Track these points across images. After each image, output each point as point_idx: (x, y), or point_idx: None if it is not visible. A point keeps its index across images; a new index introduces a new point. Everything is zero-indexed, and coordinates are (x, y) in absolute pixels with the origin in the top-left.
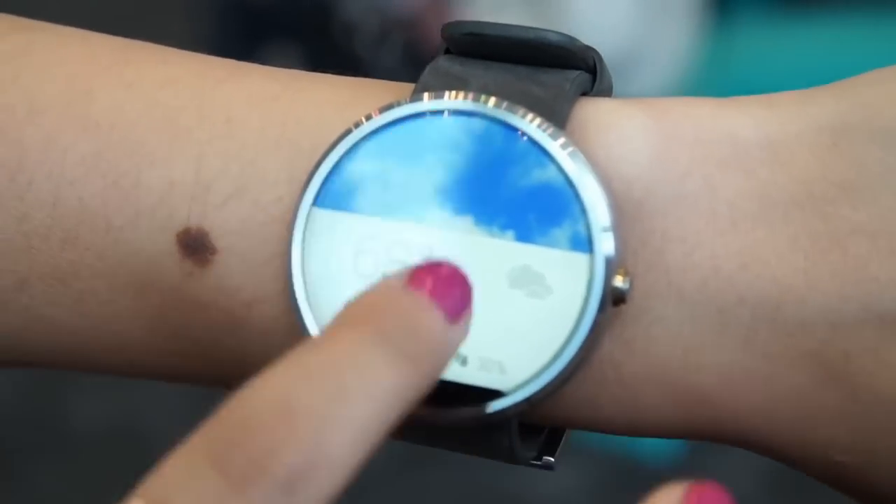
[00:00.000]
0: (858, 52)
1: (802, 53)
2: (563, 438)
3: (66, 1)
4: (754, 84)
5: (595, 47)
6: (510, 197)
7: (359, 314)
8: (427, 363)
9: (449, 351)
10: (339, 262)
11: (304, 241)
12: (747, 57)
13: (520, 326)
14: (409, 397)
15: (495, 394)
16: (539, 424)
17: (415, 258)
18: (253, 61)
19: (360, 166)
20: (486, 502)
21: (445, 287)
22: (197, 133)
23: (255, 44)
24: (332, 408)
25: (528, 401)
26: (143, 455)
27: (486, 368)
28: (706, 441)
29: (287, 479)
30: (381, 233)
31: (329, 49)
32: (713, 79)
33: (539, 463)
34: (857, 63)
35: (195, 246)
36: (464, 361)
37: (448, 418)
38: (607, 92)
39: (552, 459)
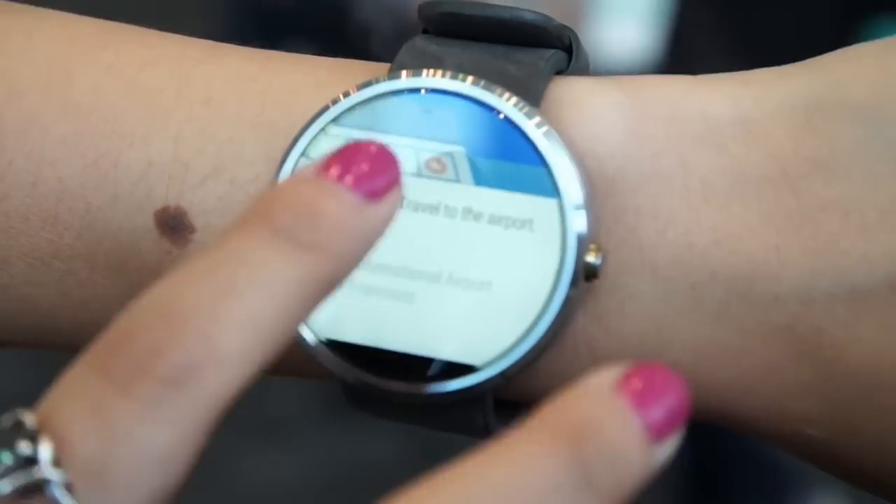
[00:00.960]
0: None
1: None
2: None
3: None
4: None
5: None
6: (485, 175)
7: (255, 212)
8: (331, 249)
9: (363, 233)
10: None
11: None
12: None
13: (493, 301)
14: (313, 286)
15: (468, 369)
16: (515, 400)
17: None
18: None
19: (336, 143)
20: None
21: (360, 167)
22: (175, 113)
23: (271, 44)
24: (218, 305)
25: (502, 375)
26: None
27: (472, 332)
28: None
29: (173, 377)
30: None
31: (344, 49)
32: None
33: None
34: None
35: (173, 224)
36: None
37: (422, 394)
38: (584, 70)
39: None
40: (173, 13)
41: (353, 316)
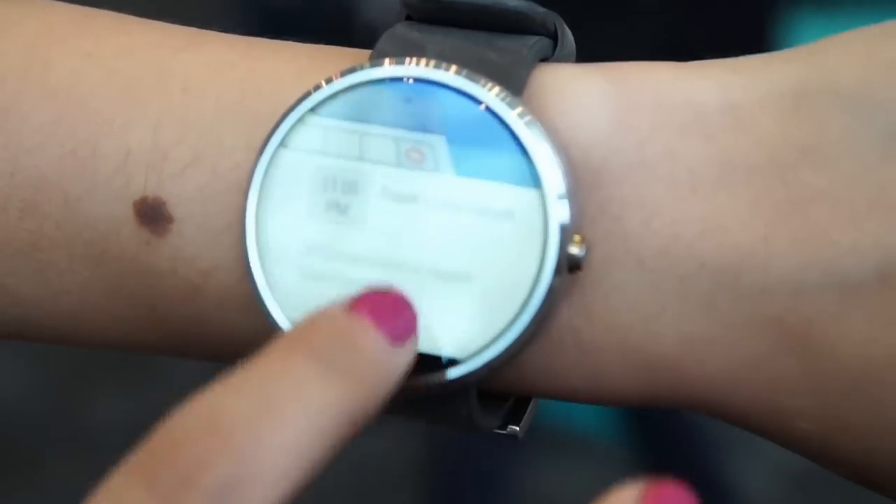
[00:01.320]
0: None
1: None
2: (530, 408)
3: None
4: None
5: None
6: (466, 165)
7: (294, 336)
8: (367, 381)
9: (393, 371)
10: (296, 227)
11: (258, 207)
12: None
13: (475, 293)
14: (350, 416)
15: (451, 361)
16: (501, 393)
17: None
18: None
19: (315, 132)
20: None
21: (387, 311)
22: (154, 102)
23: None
24: (261, 420)
25: (486, 367)
26: None
27: (454, 324)
28: (669, 410)
29: (216, 492)
30: (342, 181)
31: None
32: None
33: (504, 432)
34: None
35: (152, 214)
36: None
37: (405, 387)
38: (569, 58)
39: (517, 428)
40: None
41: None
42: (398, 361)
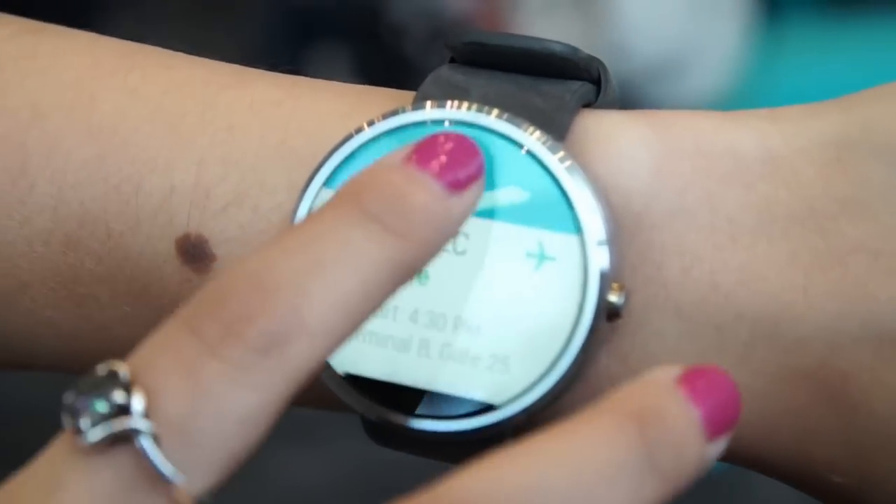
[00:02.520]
0: None
1: (853, 54)
2: None
3: None
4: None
5: (644, 50)
6: (507, 210)
7: (346, 193)
8: (418, 235)
9: (449, 220)
10: None
11: None
12: (797, 58)
13: (521, 331)
14: (399, 270)
15: (489, 407)
16: None
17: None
18: (300, 62)
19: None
20: None
21: (450, 158)
22: (199, 139)
23: (303, 45)
24: (308, 278)
25: (523, 414)
26: None
27: (494, 369)
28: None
29: (262, 344)
30: None
31: (377, 51)
32: (763, 80)
33: None
34: None
35: (194, 252)
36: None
37: (442, 432)
38: (612, 104)
39: None
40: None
41: (372, 351)
42: (455, 210)
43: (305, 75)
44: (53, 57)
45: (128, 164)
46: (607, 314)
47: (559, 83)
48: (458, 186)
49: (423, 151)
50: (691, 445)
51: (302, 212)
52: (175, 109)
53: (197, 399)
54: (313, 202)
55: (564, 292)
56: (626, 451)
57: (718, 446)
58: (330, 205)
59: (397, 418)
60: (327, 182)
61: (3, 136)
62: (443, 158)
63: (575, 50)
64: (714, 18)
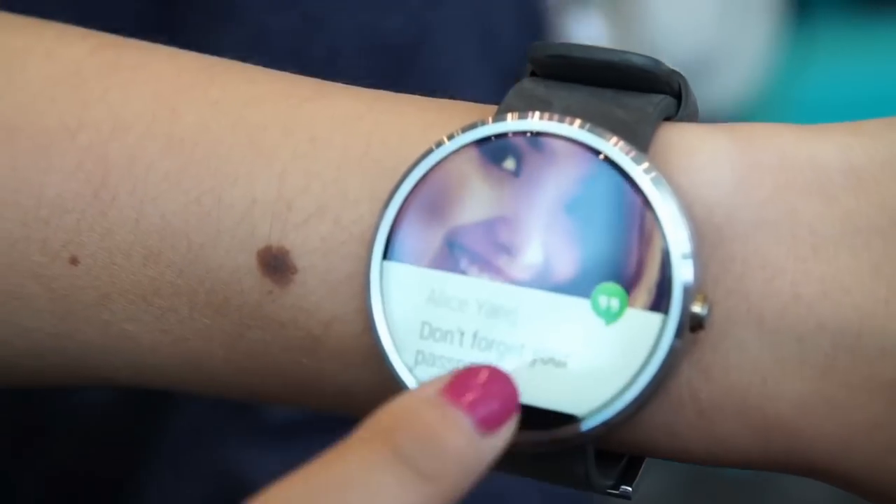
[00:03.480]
0: None
1: (884, 56)
2: (642, 467)
3: None
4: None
5: (674, 51)
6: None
7: (378, 429)
8: (450, 480)
9: (480, 463)
10: (419, 282)
11: (382, 261)
12: (828, 59)
13: (601, 349)
14: None
15: (570, 418)
16: (616, 452)
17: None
18: None
19: (442, 186)
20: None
21: (486, 397)
22: (280, 151)
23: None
24: None
25: (604, 426)
26: None
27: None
28: (783, 472)
29: None
30: None
31: None
32: (793, 82)
33: (616, 492)
34: None
35: (275, 265)
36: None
37: (522, 443)
38: (692, 117)
39: (629, 489)
40: None
41: (460, 364)
42: (488, 451)
43: None
44: (134, 70)
45: (209, 176)
46: (691, 325)
47: (641, 96)
48: (492, 426)
49: (460, 385)
50: (453, 440)
51: (385, 225)
52: (256, 122)
53: None
54: (396, 214)
55: (648, 305)
56: (381, 463)
57: (499, 437)
58: (360, 439)
59: None
60: (410, 195)
61: (84, 148)
62: (479, 394)
63: (657, 63)
64: (744, 20)
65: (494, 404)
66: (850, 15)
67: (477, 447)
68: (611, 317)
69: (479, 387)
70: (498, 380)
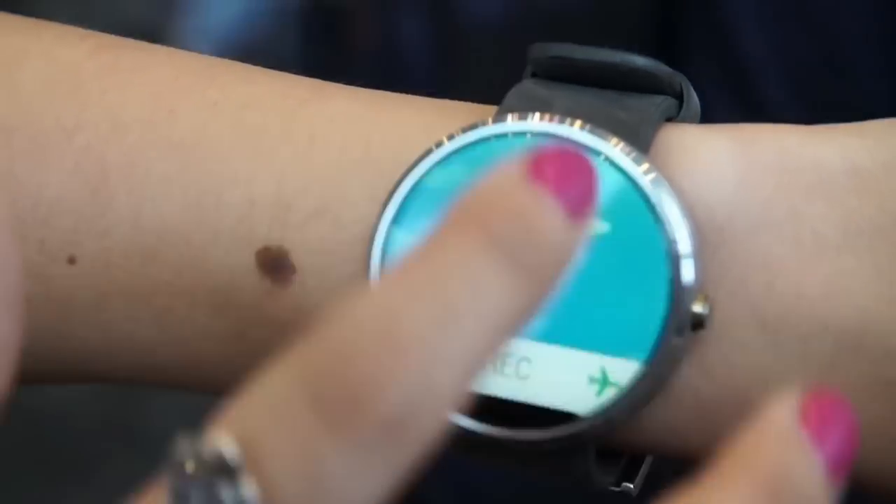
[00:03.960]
0: None
1: None
2: (644, 465)
3: None
4: None
5: None
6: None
7: (470, 213)
8: (545, 271)
9: (570, 253)
10: None
11: (382, 260)
12: None
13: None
14: (523, 315)
15: (571, 416)
16: (618, 450)
17: None
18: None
19: (441, 186)
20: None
21: (571, 178)
22: (279, 152)
23: None
24: (443, 334)
25: (606, 424)
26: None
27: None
28: None
29: (391, 421)
30: None
31: None
32: None
33: (618, 489)
34: None
35: (275, 265)
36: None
37: (524, 441)
38: (694, 118)
39: (631, 486)
40: None
41: None
42: (576, 240)
43: None
44: (133, 72)
45: (208, 177)
46: (692, 324)
47: (642, 97)
48: (580, 212)
49: (546, 167)
50: (548, 227)
51: (384, 225)
52: (255, 123)
53: (316, 494)
54: (395, 214)
55: (651, 304)
56: (477, 250)
57: (586, 224)
58: (452, 225)
59: (476, 427)
60: (410, 195)
61: (83, 148)
62: (566, 180)
63: (658, 64)
64: None
65: (581, 186)
66: None
67: (569, 235)
68: None
69: (563, 167)
70: (577, 159)
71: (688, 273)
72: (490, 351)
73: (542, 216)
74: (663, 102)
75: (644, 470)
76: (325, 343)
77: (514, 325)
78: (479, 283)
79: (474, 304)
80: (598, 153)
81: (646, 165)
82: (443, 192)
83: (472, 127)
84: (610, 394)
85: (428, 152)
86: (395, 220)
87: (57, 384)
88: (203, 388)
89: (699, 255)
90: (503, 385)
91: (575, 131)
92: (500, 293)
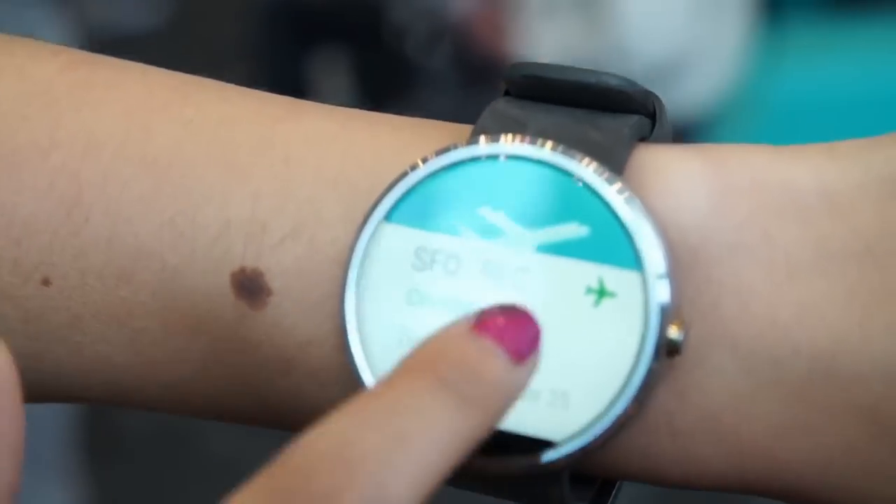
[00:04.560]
0: None
1: (855, 56)
2: (616, 489)
3: None
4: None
5: (646, 51)
6: (566, 244)
7: (420, 361)
8: (490, 406)
9: (514, 393)
10: (395, 302)
11: (358, 282)
12: (800, 59)
13: (587, 359)
14: (470, 441)
15: (547, 444)
16: (591, 475)
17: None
18: (302, 64)
19: (415, 209)
20: None
21: (512, 329)
22: (254, 172)
23: (305, 47)
24: (392, 452)
25: (581, 451)
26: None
27: (553, 405)
28: (758, 495)
29: None
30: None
31: (379, 52)
32: (765, 81)
33: None
34: None
35: (250, 286)
36: (536, 397)
37: (499, 468)
38: (666, 137)
39: None
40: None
41: None
42: (520, 380)
43: (307, 77)
44: (107, 88)
45: (183, 196)
46: (667, 351)
47: (616, 117)
48: (522, 357)
49: (491, 322)
50: (490, 368)
51: (361, 247)
52: (230, 142)
53: None
54: (371, 237)
55: (625, 328)
56: (426, 387)
57: (529, 365)
58: (403, 372)
59: None
60: (388, 217)
61: (57, 167)
62: (508, 330)
63: (632, 83)
64: (716, 20)
65: (521, 335)
66: (822, 16)
67: (512, 374)
68: None
69: (504, 321)
70: (518, 314)
71: (663, 294)
72: (441, 467)
73: (485, 362)
74: (636, 122)
75: (616, 493)
76: (287, 464)
77: (463, 447)
78: (428, 413)
79: (424, 430)
80: (569, 174)
81: (618, 185)
82: (417, 217)
83: (446, 150)
84: (585, 420)
85: (403, 175)
86: (371, 242)
87: (29, 403)
88: (176, 411)
89: (674, 276)
90: None
91: (546, 153)
92: (450, 423)
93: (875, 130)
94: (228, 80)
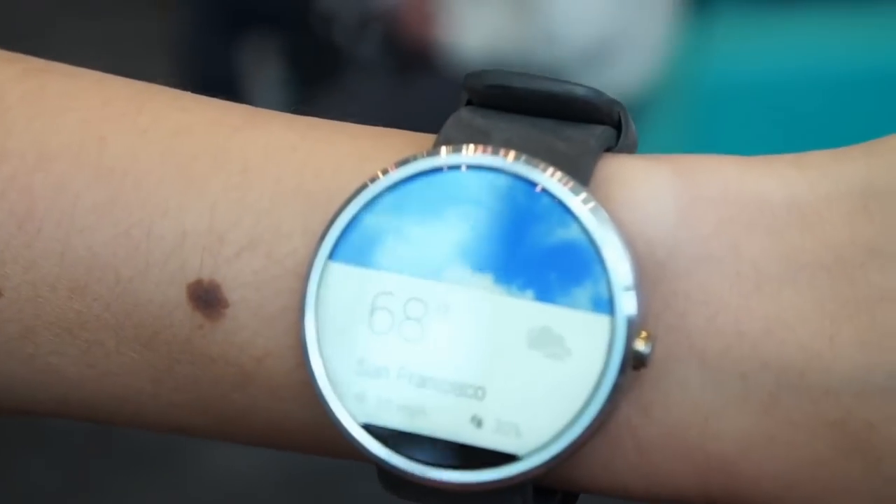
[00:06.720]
0: (839, 43)
1: (782, 42)
2: (577, 501)
3: None
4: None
5: (574, 37)
6: (530, 255)
7: None
8: None
9: None
10: (353, 317)
11: (317, 295)
12: (727, 46)
13: (537, 389)
14: None
15: (511, 458)
16: (554, 488)
17: (431, 315)
18: (231, 52)
19: (376, 221)
20: None
21: None
22: (211, 182)
23: (233, 35)
24: None
25: (545, 465)
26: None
27: (501, 431)
28: None
29: None
30: (398, 289)
31: (307, 39)
32: (692, 67)
33: None
34: (837, 55)
35: (206, 299)
36: (479, 423)
37: (462, 482)
38: (632, 147)
39: None
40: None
41: (393, 402)
42: None
43: (237, 64)
44: (60, 97)
45: (138, 207)
46: (634, 364)
47: (582, 127)
48: None
49: None
50: None
51: (319, 261)
52: (187, 152)
53: None
54: (331, 250)
55: (591, 341)
56: None
57: None
58: None
59: (416, 468)
60: (345, 231)
61: (8, 178)
62: None
63: (598, 93)
64: (644, 5)
65: None
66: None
67: None
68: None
69: None
70: None
71: (630, 306)
72: None
73: None
74: (602, 133)
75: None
76: None
77: None
78: None
79: None
80: (533, 184)
81: (584, 195)
82: (379, 227)
83: (406, 161)
84: (550, 434)
85: (363, 188)
86: (332, 254)
87: None
88: (130, 425)
89: (640, 289)
90: (442, 426)
91: (509, 163)
92: None
93: (803, 113)
94: (153, 71)
